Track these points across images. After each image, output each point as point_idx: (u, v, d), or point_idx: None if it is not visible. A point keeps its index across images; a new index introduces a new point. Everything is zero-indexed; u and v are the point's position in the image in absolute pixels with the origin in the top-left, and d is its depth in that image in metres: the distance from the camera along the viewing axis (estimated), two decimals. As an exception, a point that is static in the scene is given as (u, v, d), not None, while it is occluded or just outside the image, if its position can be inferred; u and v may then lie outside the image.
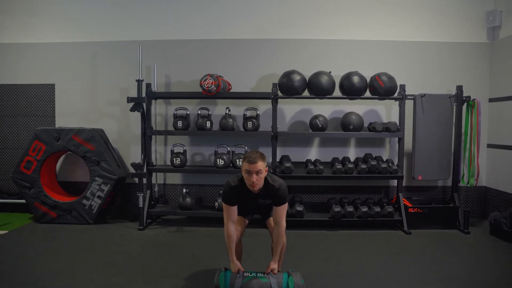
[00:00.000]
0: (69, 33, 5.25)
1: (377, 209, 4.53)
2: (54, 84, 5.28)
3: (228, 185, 2.75)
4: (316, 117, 4.73)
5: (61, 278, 3.12)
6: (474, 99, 4.67)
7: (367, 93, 4.72)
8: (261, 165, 2.62)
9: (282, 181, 2.78)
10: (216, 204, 4.68)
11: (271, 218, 2.92)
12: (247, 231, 2.99)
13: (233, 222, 2.78)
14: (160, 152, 5.22)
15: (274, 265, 2.78)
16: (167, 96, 5.06)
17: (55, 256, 3.62)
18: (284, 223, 2.77)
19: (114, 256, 3.65)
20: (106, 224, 4.79)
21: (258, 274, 2.77)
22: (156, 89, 4.93)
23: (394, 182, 5.02)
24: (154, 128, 4.96)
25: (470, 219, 4.62)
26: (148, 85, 4.76)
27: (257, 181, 2.64)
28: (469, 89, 4.85)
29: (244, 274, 2.76)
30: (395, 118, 4.97)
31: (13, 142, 5.35)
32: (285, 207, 2.77)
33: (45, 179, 4.84)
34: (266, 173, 2.71)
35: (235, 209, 2.77)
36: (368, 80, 4.67)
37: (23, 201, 4.88)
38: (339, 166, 4.60)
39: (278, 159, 4.78)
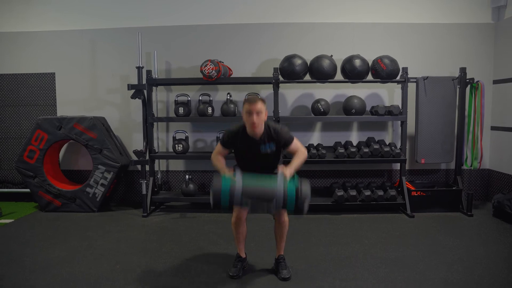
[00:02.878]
0: (68, 21, 5.19)
1: (380, 192, 4.54)
2: (54, 73, 5.26)
3: (229, 130, 2.82)
4: (318, 101, 4.70)
5: (67, 265, 3.16)
6: (477, 81, 4.62)
7: (369, 77, 4.67)
8: (261, 106, 2.66)
9: (282, 126, 2.85)
10: (219, 190, 4.69)
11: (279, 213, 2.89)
12: (249, 215, 3.00)
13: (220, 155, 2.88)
14: (162, 139, 5.22)
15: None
16: (168, 82, 5.03)
17: (60, 244, 3.65)
18: (304, 149, 2.82)
19: (118, 243, 3.68)
20: (110, 211, 4.83)
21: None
22: (156, 76, 4.91)
23: (397, 166, 5.01)
24: (155, 115, 4.95)
25: (474, 201, 4.63)
26: (149, 72, 4.73)
27: (257, 121, 2.66)
28: (473, 71, 4.79)
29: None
30: (397, 102, 4.93)
31: (16, 131, 5.35)
32: (296, 142, 2.81)
33: (48, 168, 4.86)
34: (266, 117, 2.74)
35: (226, 152, 2.86)
36: (370, 63, 4.61)
37: (28, 190, 4.92)
38: (341, 150, 4.59)
39: (280, 145, 4.77)
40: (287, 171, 2.60)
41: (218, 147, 2.89)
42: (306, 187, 2.52)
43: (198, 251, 3.45)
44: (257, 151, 2.79)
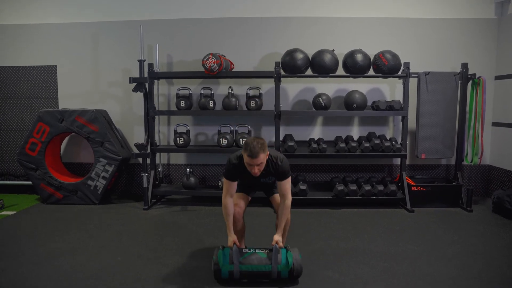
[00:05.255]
0: (70, 14, 5.18)
1: (380, 187, 4.55)
2: (56, 66, 5.26)
3: (230, 162, 2.77)
4: (319, 95, 4.70)
5: (68, 257, 3.18)
6: (479, 77, 4.61)
7: (371, 71, 4.66)
8: (262, 157, 2.59)
9: (282, 156, 2.80)
10: (220, 183, 4.71)
11: (276, 195, 2.93)
12: (250, 210, 3.02)
13: (231, 196, 2.81)
14: (164, 133, 5.23)
15: (278, 238, 2.79)
16: (170, 76, 5.02)
17: (61, 236, 3.68)
18: (290, 197, 2.79)
19: (119, 236, 3.71)
20: (111, 204, 4.85)
21: (257, 250, 2.80)
22: (158, 69, 4.90)
23: (398, 161, 5.02)
24: (157, 109, 4.96)
25: (473, 197, 4.64)
26: (150, 65, 4.73)
27: (259, 171, 2.66)
28: (475, 67, 4.78)
29: (243, 251, 2.79)
30: (399, 97, 4.93)
31: (17, 124, 5.37)
32: (289, 181, 2.79)
33: (50, 160, 4.88)
34: (268, 155, 2.69)
35: (235, 184, 2.81)
36: (371, 58, 4.60)
37: (30, 182, 4.94)
38: (342, 144, 4.60)
39: (281, 138, 4.77)
40: (280, 243, 2.76)
41: (226, 184, 2.78)
42: (298, 263, 2.70)
43: (199, 244, 3.48)
44: (258, 182, 2.89)
